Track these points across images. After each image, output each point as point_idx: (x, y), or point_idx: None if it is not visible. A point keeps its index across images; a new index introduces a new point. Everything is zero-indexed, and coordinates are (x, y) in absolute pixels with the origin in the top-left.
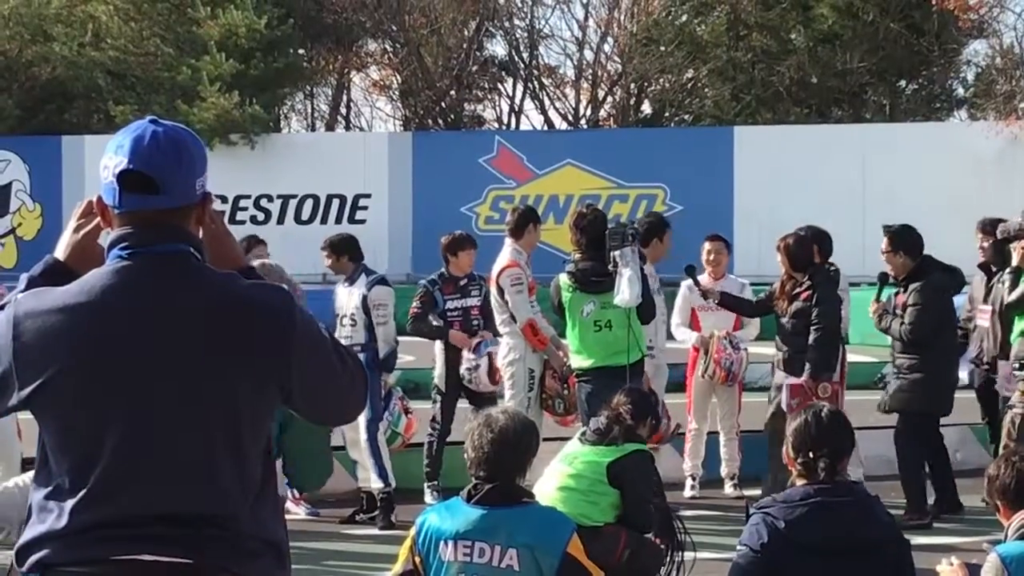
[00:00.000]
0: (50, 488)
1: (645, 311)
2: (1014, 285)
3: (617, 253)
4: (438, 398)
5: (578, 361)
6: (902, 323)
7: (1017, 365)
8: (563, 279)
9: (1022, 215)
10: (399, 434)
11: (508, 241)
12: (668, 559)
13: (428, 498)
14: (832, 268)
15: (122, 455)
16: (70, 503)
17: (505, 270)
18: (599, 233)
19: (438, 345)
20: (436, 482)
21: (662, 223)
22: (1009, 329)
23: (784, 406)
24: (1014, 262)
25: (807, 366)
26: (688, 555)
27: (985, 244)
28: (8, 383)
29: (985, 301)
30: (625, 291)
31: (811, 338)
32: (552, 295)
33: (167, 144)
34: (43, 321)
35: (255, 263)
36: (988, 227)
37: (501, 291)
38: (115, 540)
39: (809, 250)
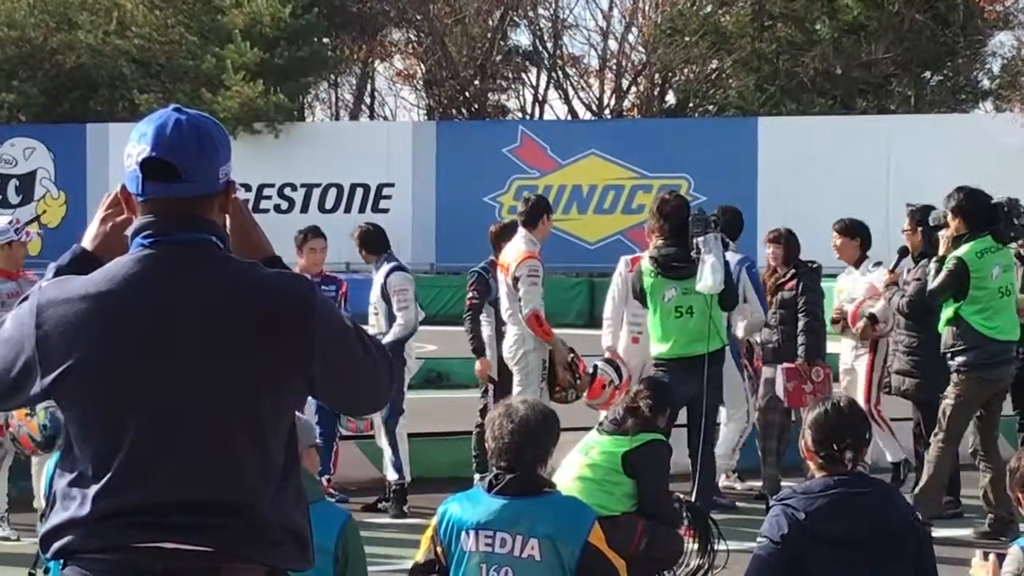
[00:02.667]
0: (73, 475)
1: (727, 299)
2: (938, 273)
3: (700, 240)
4: (489, 387)
5: (657, 347)
6: (903, 295)
7: (948, 355)
8: (645, 264)
9: (944, 203)
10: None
11: (522, 231)
12: (694, 550)
13: None
14: (814, 264)
15: (144, 443)
16: (92, 490)
17: (525, 260)
18: (682, 219)
19: (487, 335)
20: (487, 472)
21: (740, 219)
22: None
23: (780, 390)
24: (940, 250)
25: (800, 350)
26: (720, 546)
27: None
28: (31, 371)
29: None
30: (708, 277)
31: (800, 324)
32: (634, 281)
33: (189, 132)
34: (65, 309)
35: None
36: (916, 215)
37: (515, 280)
38: (136, 527)
39: (798, 244)
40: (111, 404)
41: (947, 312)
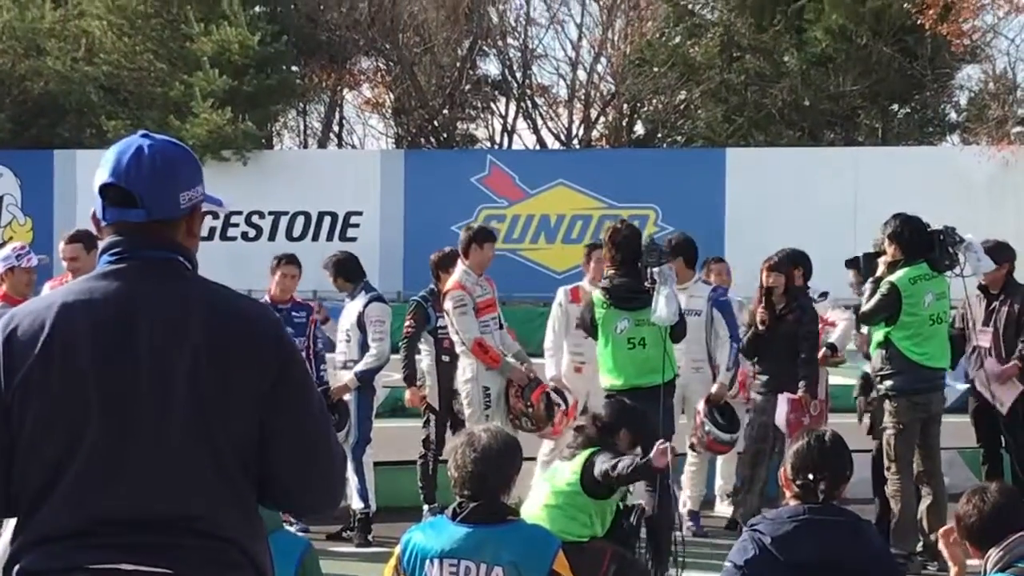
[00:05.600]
0: (28, 493)
1: (677, 330)
2: (872, 295)
3: (656, 270)
4: (430, 416)
5: (609, 380)
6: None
7: (878, 379)
8: (596, 295)
9: (881, 229)
10: None
11: (459, 262)
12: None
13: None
14: (809, 292)
15: (99, 458)
16: (46, 508)
17: (450, 292)
18: (634, 249)
19: (426, 363)
20: (435, 504)
21: (694, 246)
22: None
23: (781, 419)
24: (878, 272)
25: (802, 382)
26: (672, 572)
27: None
28: None
29: (986, 323)
30: (662, 309)
31: (803, 356)
32: (584, 312)
33: (150, 160)
34: (32, 319)
35: None
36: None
37: (449, 313)
38: (93, 548)
39: (793, 272)
40: (66, 414)
41: (878, 336)
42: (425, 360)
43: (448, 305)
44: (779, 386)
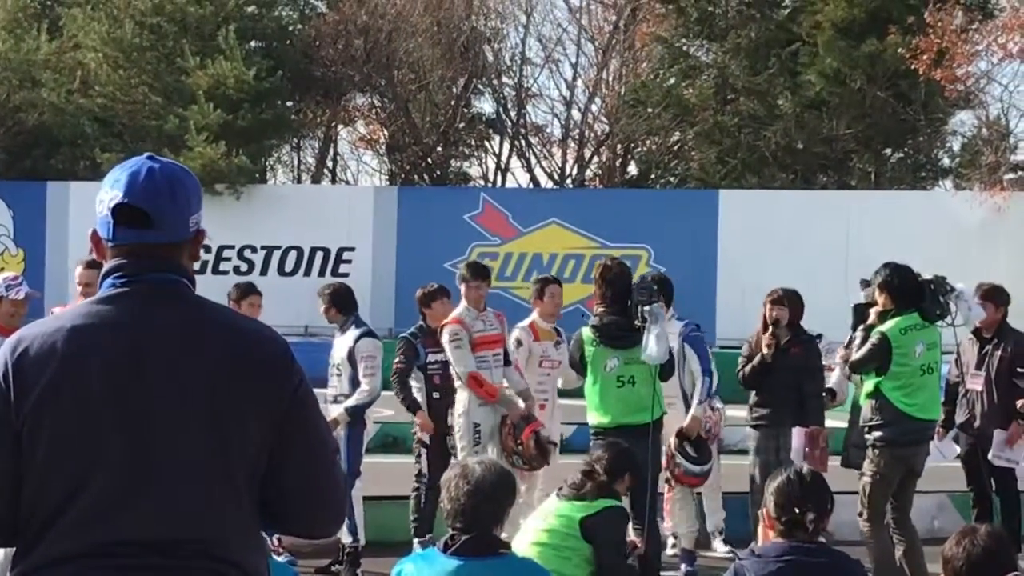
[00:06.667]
0: (39, 516)
1: (666, 369)
2: (863, 343)
3: (646, 309)
4: (422, 450)
5: (596, 418)
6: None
7: (866, 429)
8: (586, 333)
9: (871, 278)
10: None
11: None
12: None
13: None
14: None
15: (112, 482)
16: (56, 530)
17: (446, 327)
18: (624, 287)
19: (421, 397)
20: (428, 536)
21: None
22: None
23: (798, 452)
24: (869, 321)
25: (812, 416)
26: None
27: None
28: (6, 398)
29: (979, 367)
30: (653, 348)
31: (811, 389)
32: (572, 350)
33: (162, 180)
34: (41, 342)
35: None
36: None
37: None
38: (101, 569)
39: (802, 307)
40: (79, 439)
41: (868, 386)
42: (416, 396)
43: (444, 339)
44: (779, 420)
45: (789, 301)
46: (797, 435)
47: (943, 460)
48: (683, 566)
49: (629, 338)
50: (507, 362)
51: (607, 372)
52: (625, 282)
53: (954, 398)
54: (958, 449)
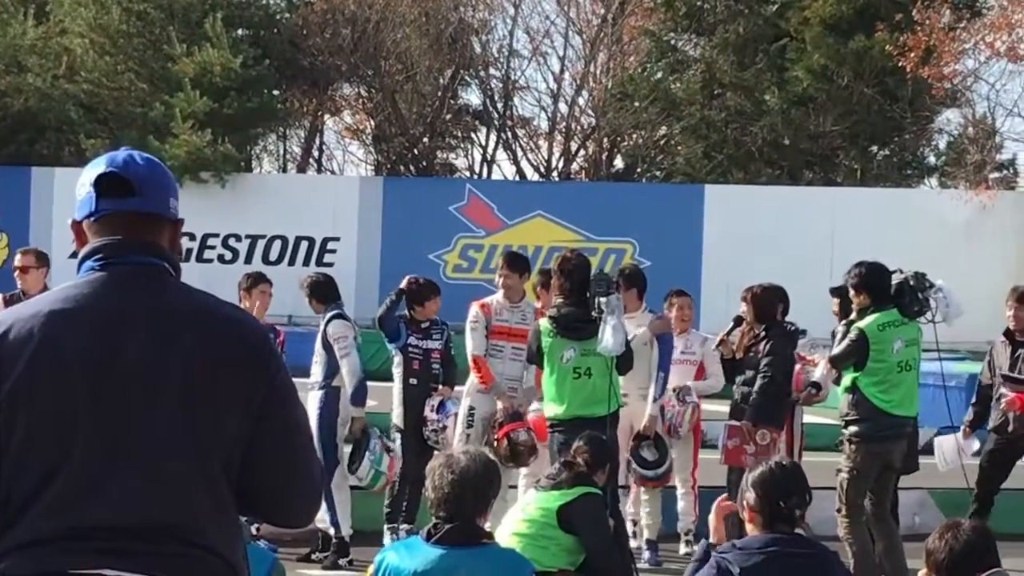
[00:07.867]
0: (15, 500)
1: (623, 362)
2: (843, 339)
3: (603, 300)
4: (397, 437)
5: (552, 409)
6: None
7: (842, 423)
8: (543, 324)
9: (844, 279)
10: (383, 473)
11: None
12: None
13: (387, 541)
14: (791, 326)
15: (89, 466)
16: (32, 513)
17: (470, 307)
18: (583, 279)
19: (396, 385)
20: (396, 524)
21: (643, 276)
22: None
23: (719, 444)
24: (853, 316)
25: (749, 411)
26: None
27: (1010, 312)
28: None
29: (1011, 370)
30: (609, 339)
31: (756, 385)
32: (530, 341)
33: (141, 159)
34: (21, 325)
35: None
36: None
37: None
38: (76, 553)
39: (774, 304)
40: (56, 423)
41: (845, 380)
42: (396, 384)
43: (468, 318)
44: (737, 414)
45: (754, 297)
46: (723, 428)
47: (965, 459)
48: (646, 553)
49: (585, 329)
50: (531, 360)
51: (563, 363)
52: (583, 274)
53: (985, 400)
54: (977, 445)
